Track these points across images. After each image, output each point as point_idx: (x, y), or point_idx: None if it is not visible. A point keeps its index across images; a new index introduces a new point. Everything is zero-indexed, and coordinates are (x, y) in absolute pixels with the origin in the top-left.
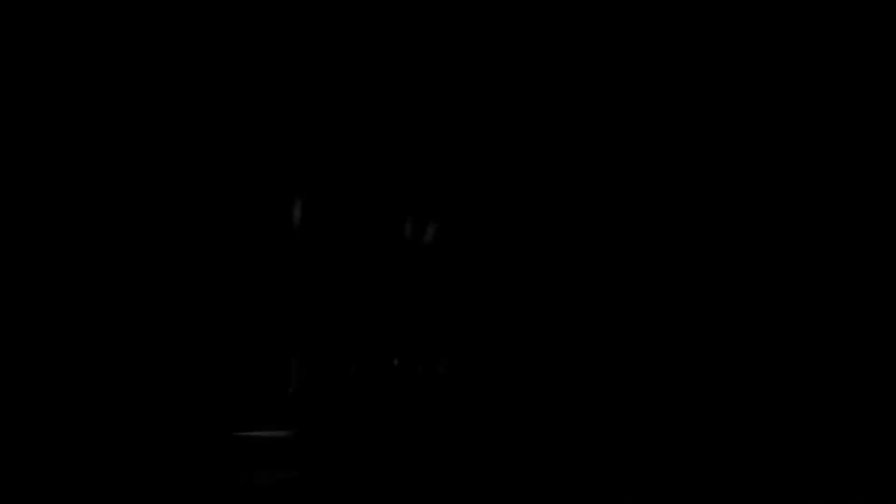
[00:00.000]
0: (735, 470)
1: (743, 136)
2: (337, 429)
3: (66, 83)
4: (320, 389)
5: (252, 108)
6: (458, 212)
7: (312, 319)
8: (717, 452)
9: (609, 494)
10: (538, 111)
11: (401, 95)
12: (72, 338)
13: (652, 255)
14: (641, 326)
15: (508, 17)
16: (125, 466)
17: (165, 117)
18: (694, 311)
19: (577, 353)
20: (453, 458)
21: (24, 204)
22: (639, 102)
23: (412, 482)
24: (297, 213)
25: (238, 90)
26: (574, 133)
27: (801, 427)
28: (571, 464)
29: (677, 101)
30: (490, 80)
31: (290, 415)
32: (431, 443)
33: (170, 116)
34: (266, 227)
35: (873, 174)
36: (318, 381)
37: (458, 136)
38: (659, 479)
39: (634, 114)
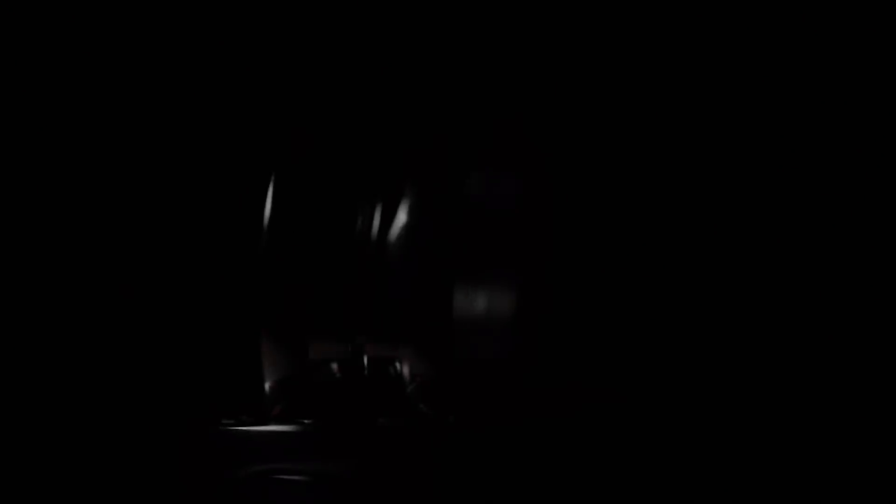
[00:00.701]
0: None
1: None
2: (320, 424)
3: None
4: (299, 385)
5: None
6: (426, 203)
7: (289, 314)
8: (717, 452)
9: (602, 494)
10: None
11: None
12: (30, 329)
13: (639, 254)
14: (621, 321)
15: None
16: (103, 460)
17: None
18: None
19: (552, 355)
20: (443, 455)
21: None
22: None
23: (400, 479)
24: (267, 204)
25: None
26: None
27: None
28: (558, 463)
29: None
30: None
31: (268, 410)
32: (418, 440)
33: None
34: (236, 220)
35: (873, 174)
36: (295, 377)
37: (427, 124)
38: (654, 479)
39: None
